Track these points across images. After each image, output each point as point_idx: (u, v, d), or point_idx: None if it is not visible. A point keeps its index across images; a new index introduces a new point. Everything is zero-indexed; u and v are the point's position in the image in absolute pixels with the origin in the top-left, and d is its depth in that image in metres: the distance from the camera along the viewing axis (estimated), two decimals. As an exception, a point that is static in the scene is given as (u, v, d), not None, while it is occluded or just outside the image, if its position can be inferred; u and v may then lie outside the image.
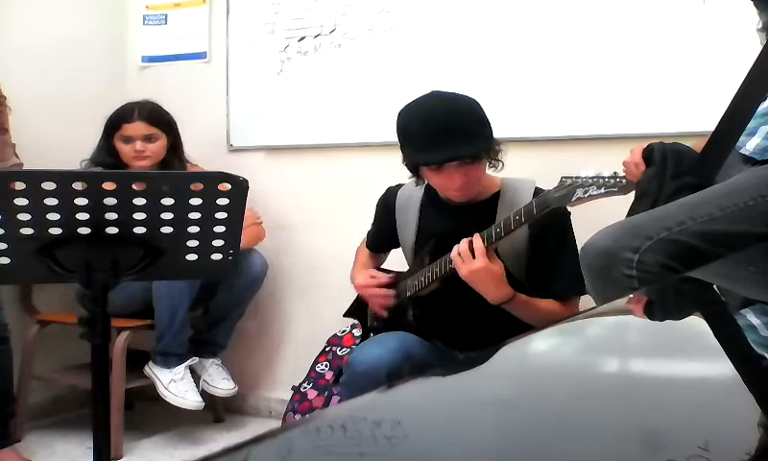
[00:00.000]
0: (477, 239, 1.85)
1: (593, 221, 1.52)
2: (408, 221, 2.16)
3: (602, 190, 1.71)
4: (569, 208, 1.90)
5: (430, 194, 2.11)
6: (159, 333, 2.56)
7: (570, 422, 0.52)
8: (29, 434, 2.63)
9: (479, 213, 2.00)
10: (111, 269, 1.38)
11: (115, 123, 2.65)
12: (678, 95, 2.24)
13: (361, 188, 2.76)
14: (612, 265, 1.26)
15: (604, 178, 1.71)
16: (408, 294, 2.10)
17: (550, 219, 1.86)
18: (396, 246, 2.27)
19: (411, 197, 2.17)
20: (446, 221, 2.06)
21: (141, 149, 2.63)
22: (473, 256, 1.84)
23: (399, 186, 2.23)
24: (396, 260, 2.36)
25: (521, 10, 2.47)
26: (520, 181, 2.05)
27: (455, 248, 1.87)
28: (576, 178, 1.76)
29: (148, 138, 2.64)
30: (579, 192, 1.73)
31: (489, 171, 2.03)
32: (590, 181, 1.73)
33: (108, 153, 2.66)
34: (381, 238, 2.29)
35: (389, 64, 2.68)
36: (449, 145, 1.89)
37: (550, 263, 1.95)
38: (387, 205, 2.24)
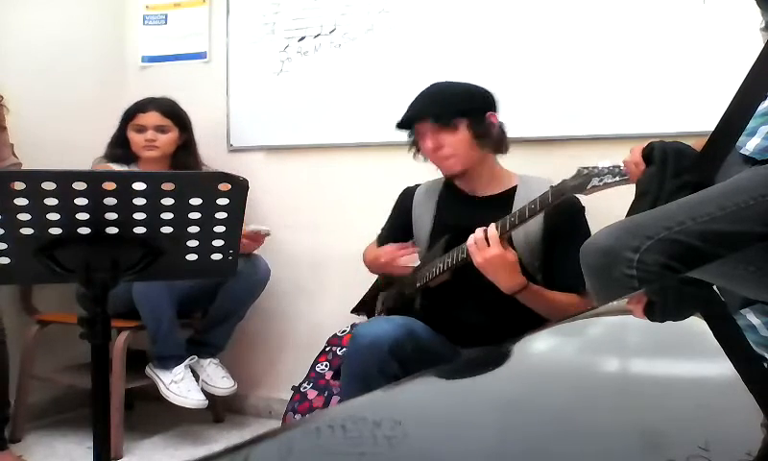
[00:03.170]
0: (492, 228, 1.90)
1: (598, 218, 1.52)
2: (424, 215, 2.20)
3: (617, 178, 1.77)
4: (585, 197, 1.94)
5: (449, 188, 2.18)
6: (151, 338, 2.57)
7: (570, 422, 0.52)
8: (29, 434, 2.63)
9: (496, 205, 2.06)
10: (111, 269, 1.38)
11: (131, 113, 2.73)
12: (678, 95, 2.24)
13: (361, 188, 2.76)
14: (613, 265, 1.26)
15: (619, 167, 1.77)
16: (418, 284, 2.12)
17: (565, 213, 1.93)
18: None
19: (429, 192, 2.23)
20: (463, 213, 2.11)
21: (152, 138, 2.69)
22: (488, 245, 1.88)
23: (418, 185, 2.28)
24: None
25: (521, 10, 2.47)
26: (537, 178, 2.11)
27: (471, 237, 1.91)
28: (593, 168, 1.82)
29: (160, 129, 2.71)
30: (594, 181, 1.80)
31: (503, 163, 2.15)
32: (606, 170, 1.79)
33: (120, 144, 2.73)
34: (394, 238, 2.31)
35: (389, 64, 2.68)
36: (421, 107, 2.06)
37: (563, 257, 1.97)
38: (403, 204, 2.29)
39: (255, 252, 2.68)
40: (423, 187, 2.25)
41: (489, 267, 1.89)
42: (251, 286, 2.66)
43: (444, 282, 2.07)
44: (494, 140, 2.09)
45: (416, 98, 2.10)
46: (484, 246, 1.88)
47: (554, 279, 2.00)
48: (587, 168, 1.84)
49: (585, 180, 1.82)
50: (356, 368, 1.88)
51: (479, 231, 1.90)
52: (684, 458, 0.44)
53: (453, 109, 2.05)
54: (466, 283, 2.03)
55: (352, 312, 2.40)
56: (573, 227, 1.99)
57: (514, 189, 2.10)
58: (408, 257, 2.17)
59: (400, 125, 2.12)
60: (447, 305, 2.09)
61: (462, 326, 2.05)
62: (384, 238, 2.36)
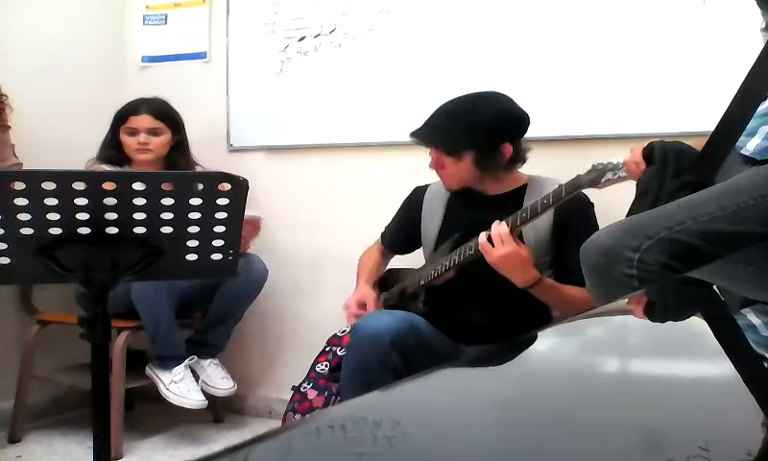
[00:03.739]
0: (503, 225, 1.91)
1: (603, 217, 1.52)
2: (434, 214, 2.21)
3: None
4: (592, 195, 1.96)
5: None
6: (150, 339, 2.56)
7: (570, 422, 0.52)
8: (29, 434, 2.63)
9: (506, 204, 2.06)
10: (111, 269, 1.38)
11: (122, 116, 2.71)
12: (678, 95, 2.24)
13: (361, 188, 2.76)
14: (613, 264, 1.26)
15: None
16: (422, 282, 2.12)
17: (574, 209, 1.94)
18: (412, 248, 2.29)
19: (440, 191, 2.23)
20: (473, 211, 2.12)
21: (145, 141, 2.67)
22: (502, 242, 1.89)
23: (428, 185, 2.29)
24: (400, 262, 2.36)
25: (521, 10, 2.47)
26: (547, 178, 2.13)
27: (483, 234, 1.92)
28: (608, 163, 1.84)
29: (153, 132, 2.69)
30: (609, 175, 1.81)
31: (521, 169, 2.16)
32: (621, 164, 1.79)
33: (112, 146, 2.71)
34: (400, 236, 2.33)
35: (389, 64, 2.68)
36: (433, 130, 2.09)
37: (574, 251, 1.96)
38: (413, 201, 2.30)
39: (253, 251, 2.68)
40: (434, 186, 2.26)
41: (503, 264, 1.90)
42: (248, 286, 2.66)
43: (448, 281, 2.07)
44: (501, 165, 2.09)
45: (435, 112, 2.10)
46: (499, 243, 1.89)
47: (567, 275, 2.00)
48: (601, 163, 1.85)
49: (599, 174, 1.84)
50: (357, 360, 1.88)
51: (494, 228, 1.91)
52: (684, 458, 0.44)
53: (462, 142, 2.06)
54: (469, 281, 2.03)
55: None
56: (583, 222, 1.99)
57: (523, 188, 2.12)
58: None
59: (414, 135, 2.12)
60: (450, 303, 2.09)
61: (464, 324, 2.05)
62: (389, 235, 2.36)
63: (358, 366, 1.88)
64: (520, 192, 2.11)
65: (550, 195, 1.89)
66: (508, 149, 2.07)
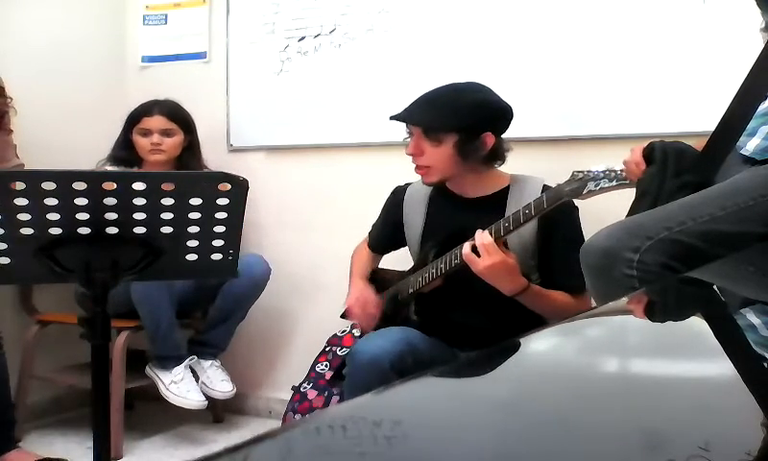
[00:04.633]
0: (486, 235, 1.87)
1: (600, 218, 1.51)
2: (415, 216, 2.19)
3: (614, 183, 1.74)
4: (578, 202, 1.93)
5: (439, 189, 2.15)
6: (150, 339, 2.56)
7: (570, 422, 0.52)
8: (29, 434, 2.63)
9: (488, 206, 2.04)
10: (111, 269, 1.38)
11: (136, 117, 2.74)
12: (678, 95, 2.24)
13: (361, 188, 2.76)
14: (613, 265, 1.26)
15: (615, 171, 1.74)
16: (411, 290, 2.10)
17: (558, 213, 1.89)
18: (398, 247, 2.28)
19: (419, 191, 2.20)
20: (455, 214, 2.09)
21: (158, 142, 2.70)
22: (488, 252, 1.85)
23: (408, 185, 2.26)
24: (392, 261, 2.36)
25: (522, 9, 2.47)
26: (530, 177, 2.09)
27: (467, 244, 1.88)
28: (588, 172, 1.79)
29: (165, 133, 2.72)
30: (591, 185, 1.77)
31: (501, 167, 2.11)
32: (602, 174, 1.76)
33: (125, 147, 2.74)
34: (384, 236, 2.31)
35: (389, 64, 2.68)
36: (416, 110, 2.03)
37: (559, 257, 1.96)
38: (395, 201, 2.27)
39: (254, 251, 2.68)
40: (414, 187, 2.23)
41: (490, 273, 1.87)
42: (250, 286, 2.66)
43: (438, 287, 2.05)
44: (482, 158, 2.04)
45: (420, 96, 2.06)
46: (484, 253, 1.85)
47: (553, 280, 1.99)
48: (581, 172, 1.81)
49: (580, 185, 1.79)
50: (358, 386, 1.87)
51: (477, 238, 1.87)
52: (685, 458, 0.44)
53: (444, 124, 2.00)
54: (459, 286, 2.01)
55: (342, 317, 2.39)
56: (567, 228, 1.97)
57: (506, 190, 2.07)
58: (366, 322, 2.16)
59: (395, 117, 2.08)
60: (442, 309, 2.07)
61: (458, 328, 2.03)
62: (376, 236, 2.35)
63: (358, 391, 1.86)
64: (503, 194, 2.06)
65: (532, 205, 1.85)
66: (490, 139, 2.01)
